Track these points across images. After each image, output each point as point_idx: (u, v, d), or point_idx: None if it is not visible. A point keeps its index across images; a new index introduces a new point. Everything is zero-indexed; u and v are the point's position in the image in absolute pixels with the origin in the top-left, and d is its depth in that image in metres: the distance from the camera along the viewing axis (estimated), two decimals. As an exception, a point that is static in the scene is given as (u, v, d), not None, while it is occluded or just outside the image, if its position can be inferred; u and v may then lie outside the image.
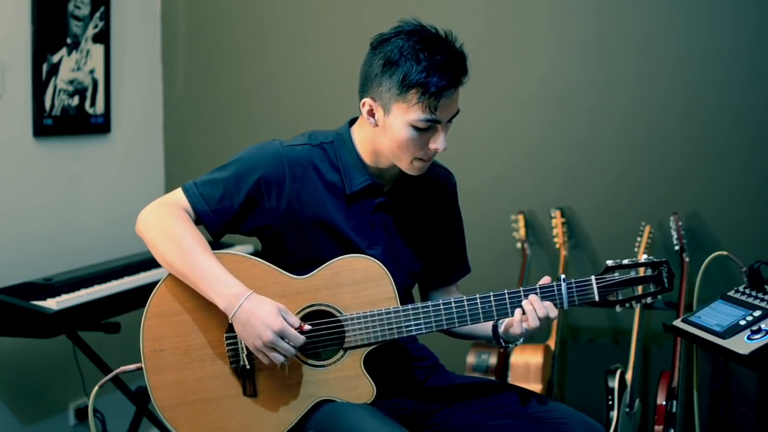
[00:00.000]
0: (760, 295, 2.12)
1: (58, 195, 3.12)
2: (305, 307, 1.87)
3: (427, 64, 1.78)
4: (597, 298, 1.86)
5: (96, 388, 1.95)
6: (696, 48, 2.99)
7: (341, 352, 1.86)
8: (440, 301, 1.86)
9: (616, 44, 3.08)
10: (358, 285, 1.86)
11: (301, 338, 1.79)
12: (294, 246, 1.92)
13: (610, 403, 2.70)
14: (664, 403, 2.66)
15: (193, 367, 1.85)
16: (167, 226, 1.86)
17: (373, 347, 1.86)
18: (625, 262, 1.88)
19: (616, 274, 1.87)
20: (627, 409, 2.74)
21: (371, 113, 1.87)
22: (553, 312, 1.83)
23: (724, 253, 2.30)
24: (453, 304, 1.85)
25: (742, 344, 1.97)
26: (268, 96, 3.51)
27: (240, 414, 1.85)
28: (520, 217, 3.14)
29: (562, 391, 3.21)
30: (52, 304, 2.51)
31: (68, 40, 3.07)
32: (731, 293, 2.20)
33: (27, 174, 2.99)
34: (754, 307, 2.08)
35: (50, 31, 2.99)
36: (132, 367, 1.92)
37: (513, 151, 3.23)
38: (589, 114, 3.13)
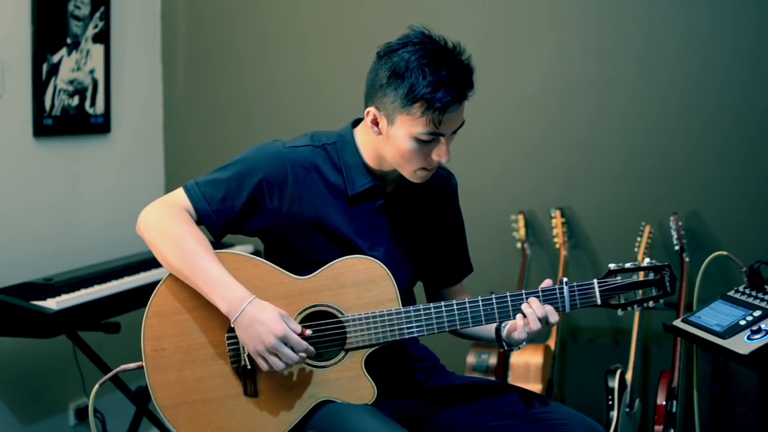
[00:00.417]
0: (760, 295, 2.12)
1: (58, 195, 3.12)
2: (307, 308, 1.87)
3: (433, 79, 1.77)
4: (599, 302, 1.86)
5: (96, 386, 1.95)
6: (696, 48, 2.99)
7: (342, 353, 1.86)
8: (442, 303, 1.86)
9: (616, 45, 3.08)
10: (360, 286, 1.86)
11: (304, 344, 1.79)
12: (296, 247, 1.92)
13: (610, 403, 2.70)
14: (664, 403, 2.66)
15: (194, 366, 1.85)
16: (168, 227, 1.85)
17: (374, 348, 1.86)
18: (628, 265, 1.88)
19: (618, 277, 1.87)
20: (627, 409, 2.74)
21: (375, 122, 1.87)
22: (554, 317, 1.83)
23: (724, 253, 2.30)
24: (455, 306, 1.85)
25: (742, 344, 1.97)
26: (268, 96, 3.51)
27: (241, 414, 1.85)
28: (520, 217, 3.14)
29: (562, 391, 3.21)
30: (52, 304, 2.51)
31: (68, 40, 3.07)
32: (731, 293, 2.20)
33: (27, 174, 2.99)
34: (754, 307, 2.08)
35: (50, 31, 2.99)
36: (132, 365, 1.92)
37: (513, 151, 3.23)
38: (589, 114, 3.13)
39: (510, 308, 1.85)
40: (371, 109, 1.86)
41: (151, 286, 1.90)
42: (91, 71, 3.20)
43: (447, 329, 1.87)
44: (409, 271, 2.01)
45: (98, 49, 3.21)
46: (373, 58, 1.88)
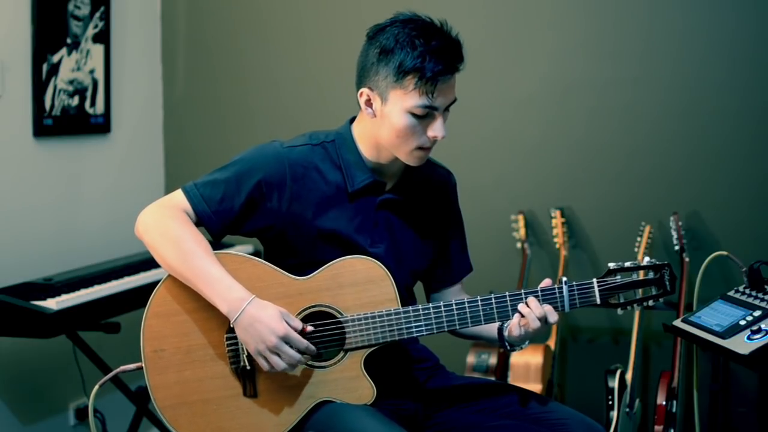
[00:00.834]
0: (760, 295, 2.12)
1: (58, 195, 3.12)
2: (306, 308, 1.87)
3: (423, 49, 1.79)
4: (598, 301, 1.86)
5: (96, 387, 1.95)
6: (696, 48, 2.99)
7: (342, 353, 1.86)
8: (441, 303, 1.86)
9: (616, 44, 3.08)
10: (359, 286, 1.86)
11: (305, 343, 1.79)
12: (295, 247, 1.92)
13: (610, 403, 2.70)
14: (664, 403, 2.66)
15: (194, 367, 1.85)
16: (167, 229, 1.85)
17: (373, 348, 1.86)
18: (627, 264, 1.88)
19: (618, 276, 1.87)
20: (627, 409, 2.74)
21: (369, 103, 1.87)
22: (553, 316, 1.83)
23: (724, 253, 2.30)
24: (454, 306, 1.85)
25: (742, 344, 1.97)
26: (268, 96, 3.51)
27: (240, 414, 1.85)
28: (520, 217, 3.14)
29: (562, 391, 3.21)
30: (52, 304, 2.51)
31: (68, 40, 3.07)
32: (731, 293, 2.19)
33: (27, 174, 2.99)
34: (754, 307, 2.08)
35: (50, 31, 2.99)
36: (132, 366, 1.92)
37: (513, 151, 3.23)
38: (589, 114, 3.13)
39: (509, 308, 1.85)
40: (364, 90, 1.87)
41: (151, 286, 1.90)
42: (91, 71, 3.20)
43: (446, 329, 1.87)
44: (410, 269, 2.00)
45: (98, 49, 3.21)
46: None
